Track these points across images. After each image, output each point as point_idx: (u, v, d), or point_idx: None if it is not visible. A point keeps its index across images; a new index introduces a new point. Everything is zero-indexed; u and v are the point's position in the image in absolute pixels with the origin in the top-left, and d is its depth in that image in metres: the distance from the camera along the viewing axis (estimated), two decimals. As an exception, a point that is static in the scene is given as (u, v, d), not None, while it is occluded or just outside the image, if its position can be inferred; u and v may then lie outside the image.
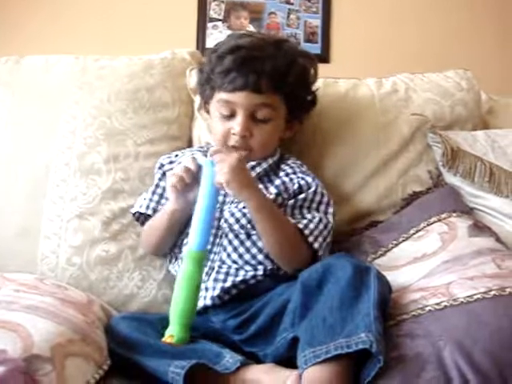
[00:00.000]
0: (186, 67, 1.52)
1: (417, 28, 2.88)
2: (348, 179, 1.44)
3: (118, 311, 1.28)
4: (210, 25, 2.90)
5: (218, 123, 1.29)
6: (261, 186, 1.28)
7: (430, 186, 1.44)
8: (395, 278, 1.16)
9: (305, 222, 1.24)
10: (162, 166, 1.37)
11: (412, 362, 0.94)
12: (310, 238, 1.22)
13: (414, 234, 1.29)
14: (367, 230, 1.38)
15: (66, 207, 1.36)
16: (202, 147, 1.41)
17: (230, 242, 1.24)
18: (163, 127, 1.45)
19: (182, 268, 1.13)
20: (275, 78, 1.25)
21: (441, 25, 2.88)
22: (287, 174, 1.32)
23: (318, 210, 1.28)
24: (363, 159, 1.45)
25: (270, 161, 1.33)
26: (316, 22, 2.94)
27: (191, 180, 1.19)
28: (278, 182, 1.30)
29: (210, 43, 2.78)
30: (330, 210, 1.29)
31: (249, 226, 1.24)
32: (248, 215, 1.23)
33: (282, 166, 1.35)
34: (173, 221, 1.26)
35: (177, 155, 1.38)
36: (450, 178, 1.43)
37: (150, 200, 1.33)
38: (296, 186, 1.29)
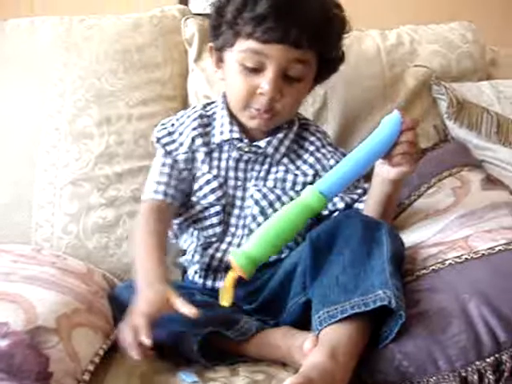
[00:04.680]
0: (177, 25, 1.47)
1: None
2: (354, 136, 1.38)
3: (119, 280, 1.23)
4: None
5: (238, 77, 1.09)
6: (286, 161, 1.18)
7: (437, 142, 1.39)
8: (407, 237, 1.10)
9: None
10: (159, 139, 1.18)
11: (436, 317, 0.89)
12: None
13: (425, 190, 1.23)
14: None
15: (58, 174, 1.30)
16: (204, 108, 1.22)
17: (251, 230, 1.14)
18: (156, 87, 1.39)
19: (299, 198, 0.98)
20: (316, 31, 1.06)
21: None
22: (317, 149, 1.20)
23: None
24: (369, 115, 1.38)
25: (294, 128, 1.19)
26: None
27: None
28: (311, 159, 1.19)
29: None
30: None
31: (270, 210, 1.14)
32: (269, 197, 1.15)
33: (307, 136, 1.21)
34: None
35: (173, 124, 1.19)
36: (456, 131, 1.38)
37: (167, 184, 1.14)
38: (332, 162, 1.17)
